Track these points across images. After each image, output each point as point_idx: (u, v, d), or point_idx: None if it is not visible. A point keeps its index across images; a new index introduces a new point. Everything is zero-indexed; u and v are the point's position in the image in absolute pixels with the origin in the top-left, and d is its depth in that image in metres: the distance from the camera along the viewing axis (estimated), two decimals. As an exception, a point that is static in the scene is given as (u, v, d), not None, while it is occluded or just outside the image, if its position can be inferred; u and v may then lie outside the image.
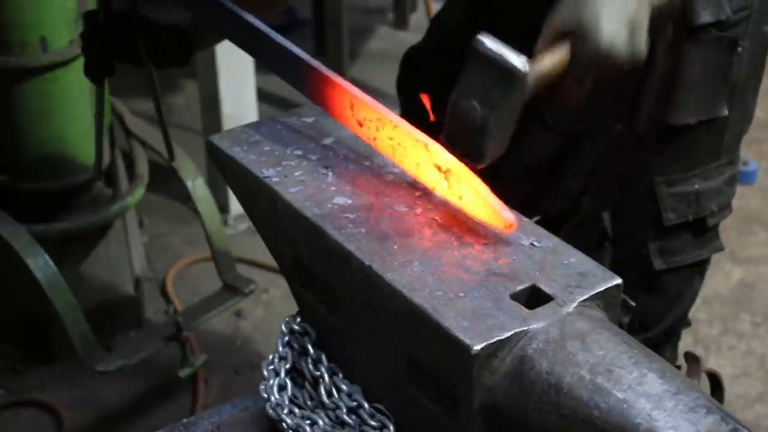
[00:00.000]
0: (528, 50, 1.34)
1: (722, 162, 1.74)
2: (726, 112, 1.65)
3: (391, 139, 1.26)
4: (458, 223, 1.21)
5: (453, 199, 1.21)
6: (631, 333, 1.10)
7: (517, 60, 1.20)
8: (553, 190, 1.77)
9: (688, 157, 1.69)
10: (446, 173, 1.21)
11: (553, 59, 1.29)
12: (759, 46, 1.67)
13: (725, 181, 1.76)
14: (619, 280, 1.13)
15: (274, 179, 1.29)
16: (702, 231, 1.76)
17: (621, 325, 1.12)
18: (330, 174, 1.30)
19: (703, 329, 3.15)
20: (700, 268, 1.83)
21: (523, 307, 1.08)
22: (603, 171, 1.72)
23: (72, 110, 2.67)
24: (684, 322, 1.91)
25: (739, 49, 1.63)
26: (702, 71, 1.62)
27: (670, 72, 1.61)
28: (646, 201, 1.71)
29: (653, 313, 1.79)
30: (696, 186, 1.71)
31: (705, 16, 1.58)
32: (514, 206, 1.23)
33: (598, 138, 1.68)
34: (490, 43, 1.21)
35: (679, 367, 1.64)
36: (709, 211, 1.74)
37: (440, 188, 1.22)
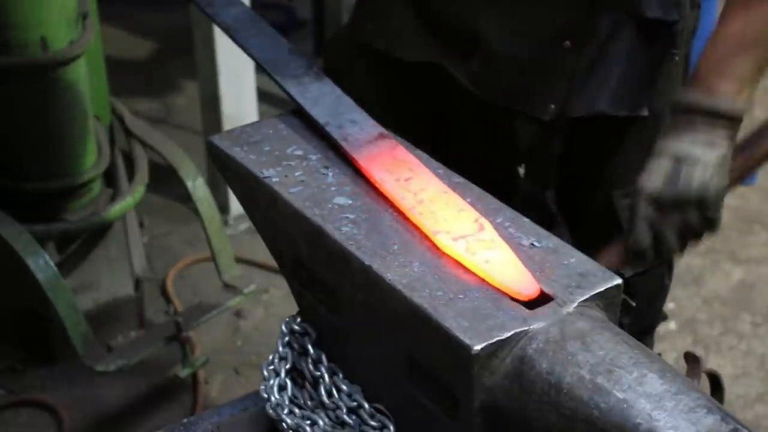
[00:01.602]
0: None
1: None
2: (647, 113, 1.64)
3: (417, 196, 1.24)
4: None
5: (473, 263, 1.14)
6: None
7: None
8: (486, 168, 1.75)
9: (639, 163, 1.70)
10: (467, 237, 1.17)
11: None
12: (685, 59, 1.70)
13: None
14: (619, 281, 1.13)
15: (274, 179, 1.29)
16: None
17: (621, 326, 1.12)
18: (330, 174, 1.30)
19: (703, 329, 3.15)
20: (668, 264, 1.83)
21: (523, 307, 1.08)
22: (539, 153, 1.70)
23: (72, 110, 2.67)
24: (659, 317, 1.92)
25: (676, 56, 1.63)
26: (640, 65, 1.62)
27: (609, 59, 1.60)
28: (605, 213, 1.71)
29: (629, 315, 1.80)
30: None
31: (656, 12, 1.58)
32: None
33: (534, 119, 1.65)
34: None
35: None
36: None
37: (458, 251, 1.16)
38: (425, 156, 1.34)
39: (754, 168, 1.53)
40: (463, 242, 1.16)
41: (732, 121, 1.39)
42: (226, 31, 1.58)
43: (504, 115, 1.67)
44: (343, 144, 1.32)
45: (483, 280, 1.13)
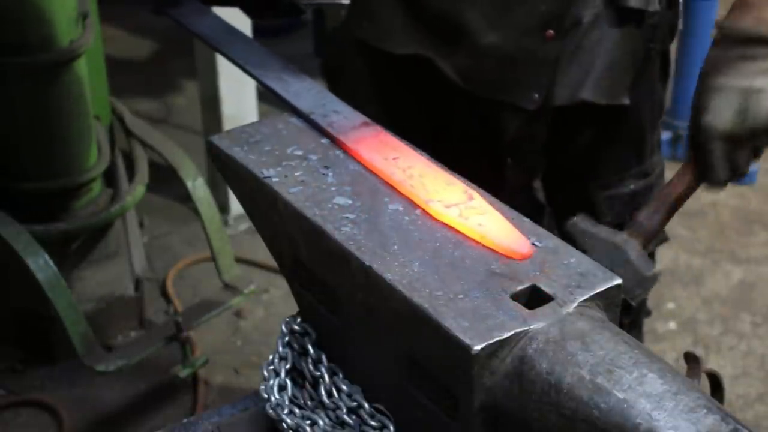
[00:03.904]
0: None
1: (655, 159, 1.76)
2: (627, 102, 1.65)
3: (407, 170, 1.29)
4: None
5: (466, 226, 1.19)
6: None
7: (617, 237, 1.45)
8: (477, 159, 1.77)
9: (615, 156, 1.71)
10: (459, 205, 1.22)
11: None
12: (664, 55, 1.72)
13: (657, 175, 1.79)
14: (619, 280, 1.13)
15: (274, 179, 1.29)
16: None
17: (621, 325, 1.12)
18: (330, 174, 1.30)
19: (703, 329, 3.15)
20: (650, 254, 1.84)
21: (523, 307, 1.08)
22: (524, 142, 1.72)
23: (72, 110, 2.67)
24: (643, 311, 1.92)
25: (652, 50, 1.64)
26: (619, 55, 1.63)
27: (591, 48, 1.61)
28: (583, 205, 1.72)
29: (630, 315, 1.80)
30: (631, 186, 1.73)
31: (636, 1, 1.59)
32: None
33: (519, 108, 1.67)
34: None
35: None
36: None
37: (452, 216, 1.21)
38: (410, 145, 1.36)
39: None
40: (455, 209, 1.21)
41: None
42: (202, 39, 1.65)
43: (490, 106, 1.69)
44: (329, 129, 1.36)
45: (482, 278, 1.13)
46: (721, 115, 1.38)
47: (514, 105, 1.66)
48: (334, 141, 1.36)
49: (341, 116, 1.40)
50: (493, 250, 1.15)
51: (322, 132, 1.38)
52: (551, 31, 1.59)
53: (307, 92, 1.47)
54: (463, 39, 1.63)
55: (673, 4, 1.69)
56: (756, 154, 1.45)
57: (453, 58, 1.65)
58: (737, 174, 1.45)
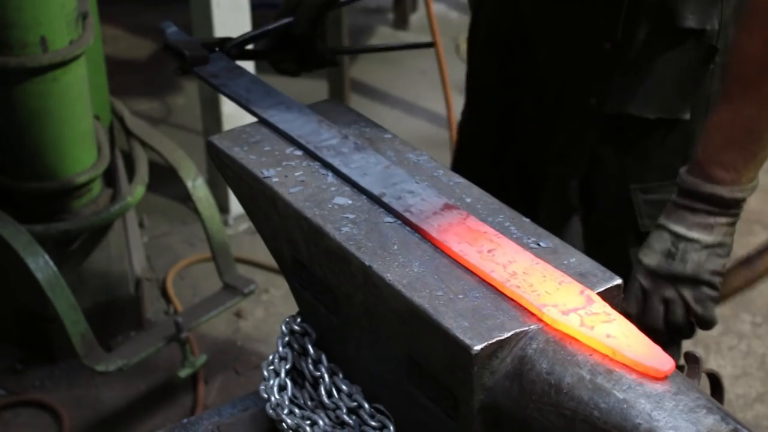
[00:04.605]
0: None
1: None
2: (687, 117, 1.66)
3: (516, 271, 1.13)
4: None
5: (593, 339, 1.04)
6: None
7: None
8: (527, 156, 1.80)
9: (662, 162, 1.70)
10: (578, 310, 1.07)
11: None
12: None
13: None
14: (619, 281, 1.13)
15: (274, 179, 1.29)
16: None
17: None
18: (330, 174, 1.30)
19: (703, 329, 3.15)
20: None
21: (523, 307, 1.08)
22: (575, 141, 1.73)
23: (72, 110, 2.67)
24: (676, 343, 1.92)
25: (717, 59, 1.65)
26: (675, 71, 1.64)
27: (646, 63, 1.63)
28: (622, 208, 1.72)
29: None
30: (673, 195, 1.74)
31: (690, 22, 1.60)
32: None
33: (573, 108, 1.71)
34: None
35: (681, 368, 1.65)
36: None
37: (573, 326, 1.05)
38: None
39: (755, 281, 1.59)
40: (575, 316, 1.05)
41: (730, 208, 1.42)
42: (239, 103, 1.48)
43: (551, 106, 1.73)
44: (408, 216, 1.21)
45: (485, 282, 1.13)
46: (652, 250, 1.45)
47: (572, 107, 1.70)
48: (415, 229, 1.20)
49: (418, 198, 1.23)
50: (628, 367, 1.01)
51: (399, 218, 1.22)
52: (608, 44, 1.62)
53: (373, 168, 1.30)
54: (530, 41, 1.71)
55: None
56: (675, 312, 1.46)
57: (523, 57, 1.74)
58: (645, 320, 1.45)
